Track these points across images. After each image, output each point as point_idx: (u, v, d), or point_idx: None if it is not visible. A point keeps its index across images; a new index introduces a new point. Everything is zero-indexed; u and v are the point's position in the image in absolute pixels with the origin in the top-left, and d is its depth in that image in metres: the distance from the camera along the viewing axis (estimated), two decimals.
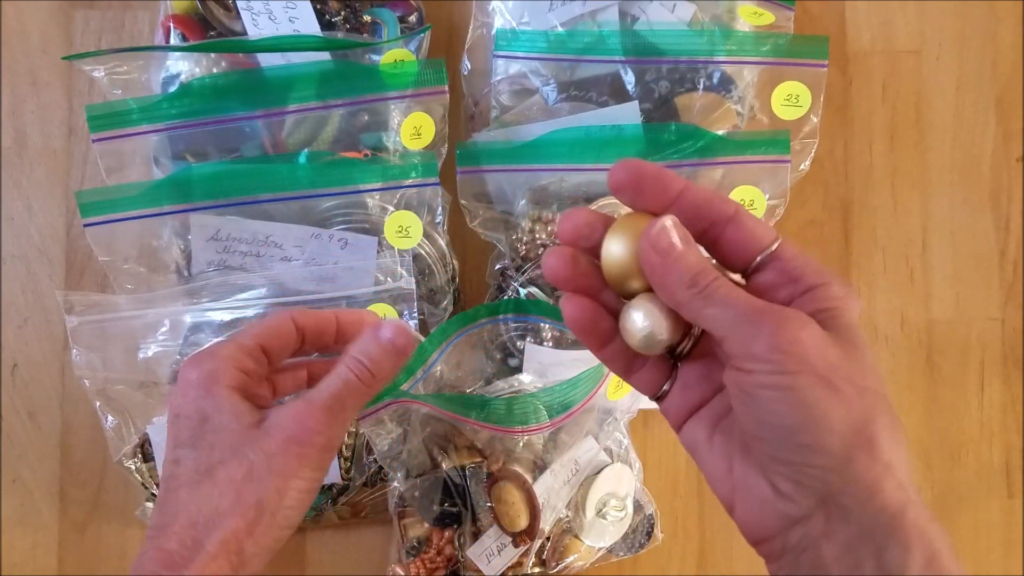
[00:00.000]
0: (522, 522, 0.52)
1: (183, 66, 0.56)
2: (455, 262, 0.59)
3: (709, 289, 0.30)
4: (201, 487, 0.38)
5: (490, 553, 0.53)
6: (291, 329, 0.43)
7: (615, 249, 0.32)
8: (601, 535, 0.56)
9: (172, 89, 0.55)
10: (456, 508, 0.53)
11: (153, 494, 0.56)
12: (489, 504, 0.52)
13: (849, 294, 0.31)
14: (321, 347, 0.45)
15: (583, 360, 0.55)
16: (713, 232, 0.32)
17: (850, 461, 0.28)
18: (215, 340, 0.53)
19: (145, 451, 0.55)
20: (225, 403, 0.39)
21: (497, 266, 0.58)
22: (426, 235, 0.56)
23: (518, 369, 0.56)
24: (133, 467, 0.56)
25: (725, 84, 0.56)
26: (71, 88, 0.62)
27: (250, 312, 0.54)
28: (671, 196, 0.31)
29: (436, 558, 0.53)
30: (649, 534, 0.58)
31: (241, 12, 0.56)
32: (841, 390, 0.29)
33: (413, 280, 0.55)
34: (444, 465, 0.53)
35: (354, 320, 0.45)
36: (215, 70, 0.56)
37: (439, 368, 0.53)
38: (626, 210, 0.33)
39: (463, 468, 0.53)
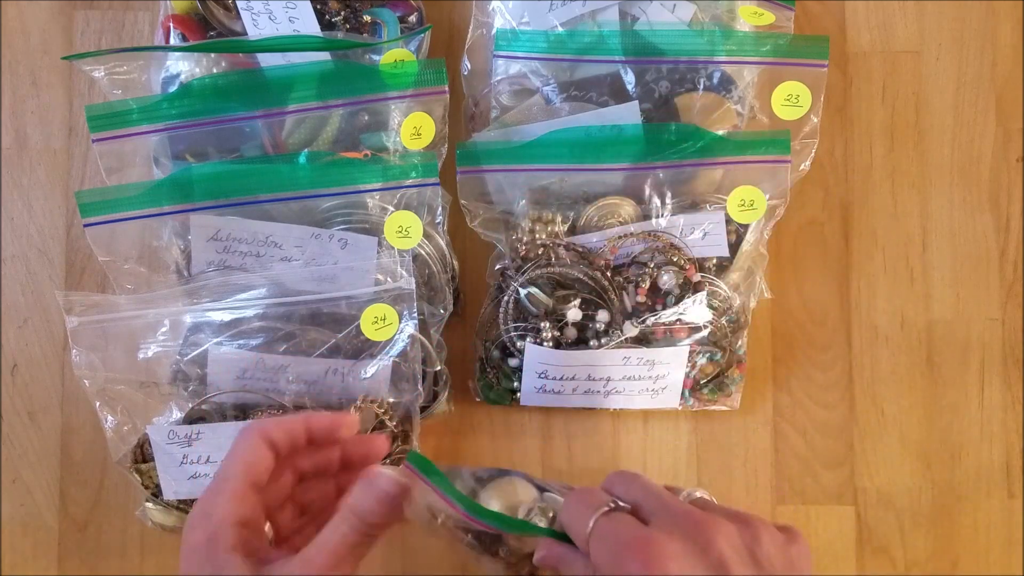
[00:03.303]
0: None
1: (183, 66, 0.56)
2: (455, 262, 0.59)
3: None
4: None
5: None
6: (266, 454, 0.42)
7: None
8: None
9: (172, 89, 0.55)
10: None
11: (153, 494, 0.56)
12: None
13: None
14: (316, 448, 0.45)
15: (583, 360, 0.55)
16: None
17: None
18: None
19: (145, 451, 0.55)
20: (227, 567, 0.39)
21: (497, 266, 0.58)
22: (426, 235, 0.56)
23: (518, 368, 0.56)
24: (133, 467, 0.56)
25: (725, 84, 0.56)
26: (71, 88, 0.62)
27: (250, 312, 0.54)
28: None
29: None
30: None
31: (241, 12, 0.56)
32: None
33: (413, 280, 0.55)
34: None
35: (325, 426, 0.44)
36: (215, 70, 0.56)
37: None
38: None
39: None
